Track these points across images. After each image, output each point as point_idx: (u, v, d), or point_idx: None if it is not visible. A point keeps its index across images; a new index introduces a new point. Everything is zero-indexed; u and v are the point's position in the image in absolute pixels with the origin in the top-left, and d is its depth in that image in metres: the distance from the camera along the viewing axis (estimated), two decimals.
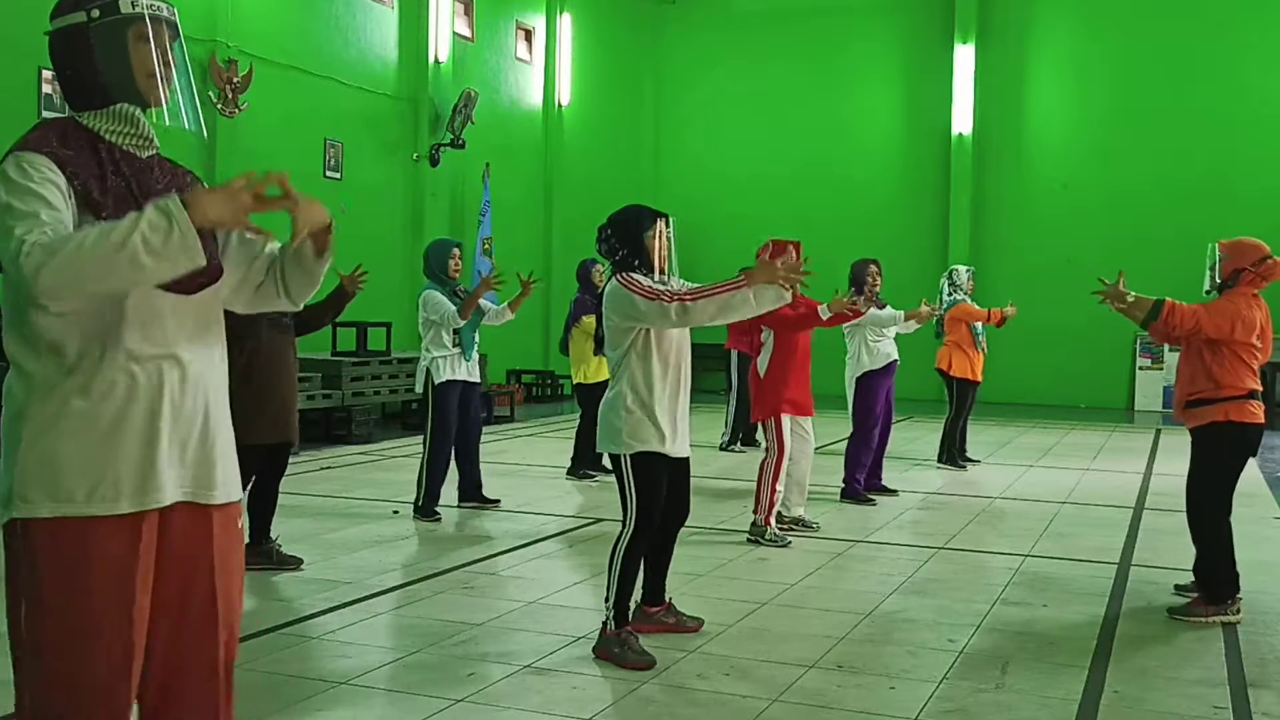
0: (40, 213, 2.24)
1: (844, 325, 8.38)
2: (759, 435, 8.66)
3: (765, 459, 6.96)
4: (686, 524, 4.99)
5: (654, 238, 4.70)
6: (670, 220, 4.79)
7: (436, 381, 7.52)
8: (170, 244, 2.18)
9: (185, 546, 2.48)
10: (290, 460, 6.47)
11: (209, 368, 2.53)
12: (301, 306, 2.73)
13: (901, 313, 8.43)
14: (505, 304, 7.92)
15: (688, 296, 4.49)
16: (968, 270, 10.65)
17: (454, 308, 7.40)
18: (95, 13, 2.42)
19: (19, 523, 2.35)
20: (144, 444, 2.39)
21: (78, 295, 2.23)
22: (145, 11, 2.45)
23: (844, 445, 8.81)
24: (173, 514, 2.46)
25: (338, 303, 6.42)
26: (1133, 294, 5.46)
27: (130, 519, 2.38)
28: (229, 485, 2.57)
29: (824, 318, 6.79)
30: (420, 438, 7.76)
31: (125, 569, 2.37)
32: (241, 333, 5.39)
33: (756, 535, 6.92)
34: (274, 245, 2.63)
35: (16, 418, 2.37)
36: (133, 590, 2.38)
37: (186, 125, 2.50)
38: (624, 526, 4.69)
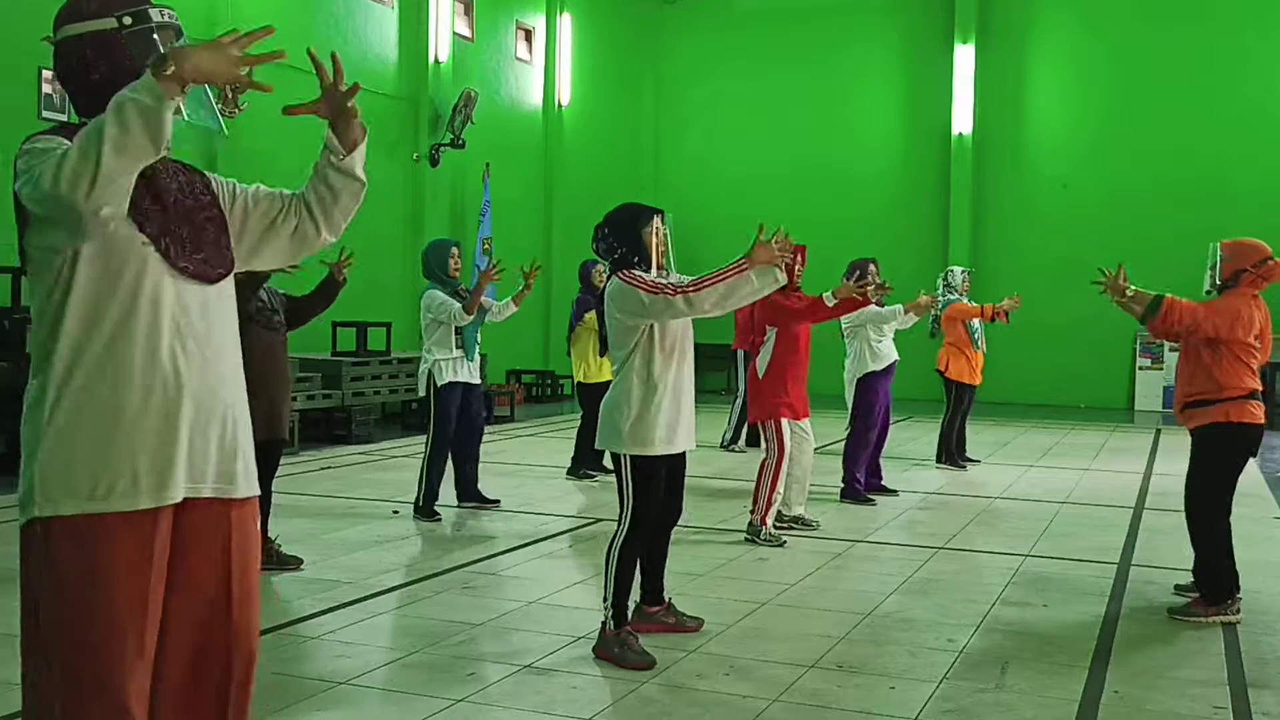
0: (55, 153, 2.25)
1: (844, 325, 8.39)
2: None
3: (765, 459, 6.96)
4: (688, 524, 5.00)
5: (651, 234, 4.71)
6: (665, 216, 4.80)
7: (439, 383, 7.51)
8: (154, 105, 2.19)
9: (202, 541, 2.48)
10: (289, 460, 6.46)
11: (227, 362, 2.55)
12: (340, 235, 2.73)
13: (900, 307, 8.46)
14: (508, 299, 7.92)
15: (690, 287, 4.49)
16: (963, 271, 10.64)
17: (459, 305, 7.40)
18: (128, 20, 2.44)
19: (39, 523, 2.36)
20: (163, 438, 2.40)
21: (104, 182, 2.19)
22: (168, 20, 2.49)
23: (843, 445, 8.81)
24: (190, 508, 2.46)
25: (327, 292, 6.38)
26: (1133, 288, 5.47)
27: (148, 514, 2.38)
28: (249, 479, 2.58)
29: (830, 304, 6.77)
30: (421, 438, 7.77)
31: (143, 564, 2.38)
32: None
33: (752, 535, 6.92)
34: (288, 192, 2.69)
35: (40, 415, 2.38)
36: (148, 586, 2.39)
37: (208, 124, 2.56)
38: (619, 525, 4.69)
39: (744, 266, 4.48)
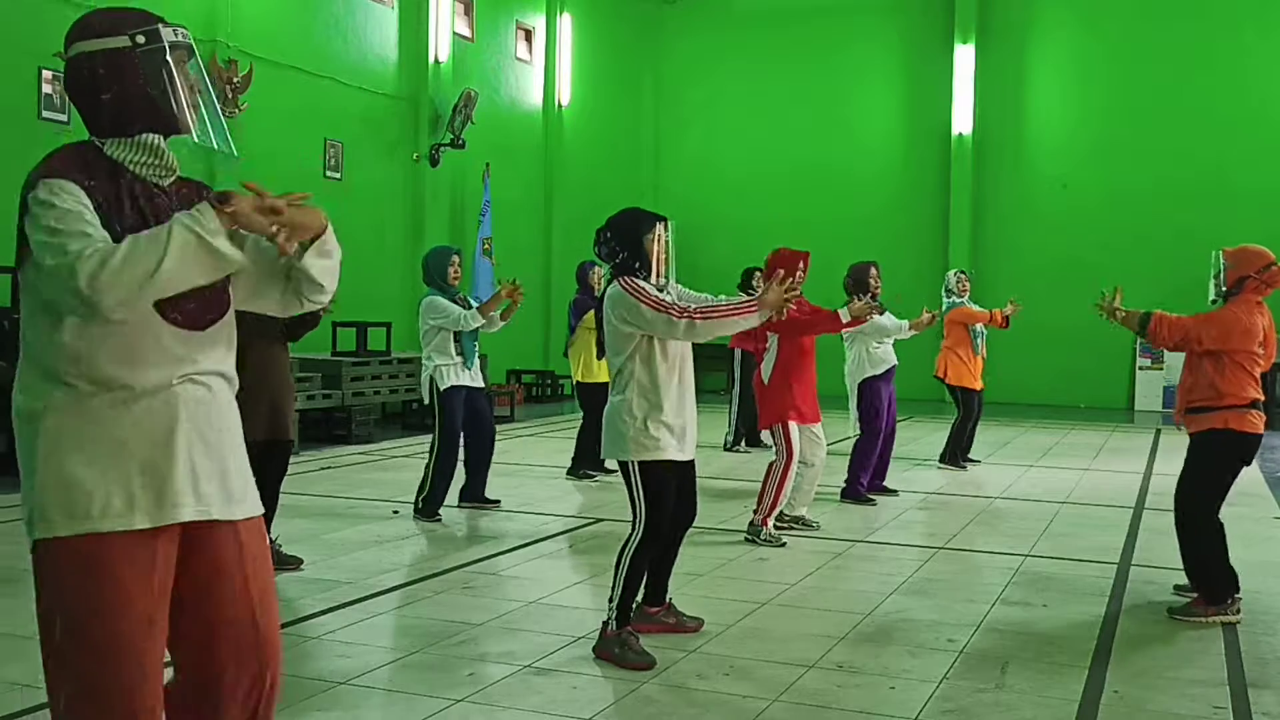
0: (86, 229, 2.26)
1: (844, 331, 8.39)
2: (765, 438, 8.70)
3: (775, 461, 6.96)
4: None
5: (653, 241, 4.69)
6: (669, 224, 4.79)
7: (441, 388, 7.52)
8: (213, 240, 2.28)
9: (219, 561, 2.49)
10: (290, 460, 6.45)
11: (225, 384, 2.55)
12: (318, 308, 2.73)
13: (906, 323, 8.49)
14: (495, 313, 7.91)
15: (698, 315, 4.51)
16: (955, 273, 10.63)
17: (461, 310, 7.42)
18: (140, 38, 2.41)
19: (40, 544, 2.37)
20: (159, 460, 2.39)
21: (133, 297, 2.24)
22: (180, 40, 2.46)
23: (847, 445, 8.82)
24: (198, 531, 2.46)
25: (311, 317, 6.26)
26: (1123, 310, 5.60)
27: (147, 534, 2.38)
28: (254, 498, 2.58)
29: (844, 320, 6.78)
30: (424, 438, 7.77)
31: (142, 584, 2.37)
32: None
33: (752, 535, 6.92)
34: None
35: (32, 437, 2.37)
36: (152, 605, 2.39)
37: (218, 146, 2.52)
38: (633, 530, 4.67)
39: (754, 308, 4.57)
